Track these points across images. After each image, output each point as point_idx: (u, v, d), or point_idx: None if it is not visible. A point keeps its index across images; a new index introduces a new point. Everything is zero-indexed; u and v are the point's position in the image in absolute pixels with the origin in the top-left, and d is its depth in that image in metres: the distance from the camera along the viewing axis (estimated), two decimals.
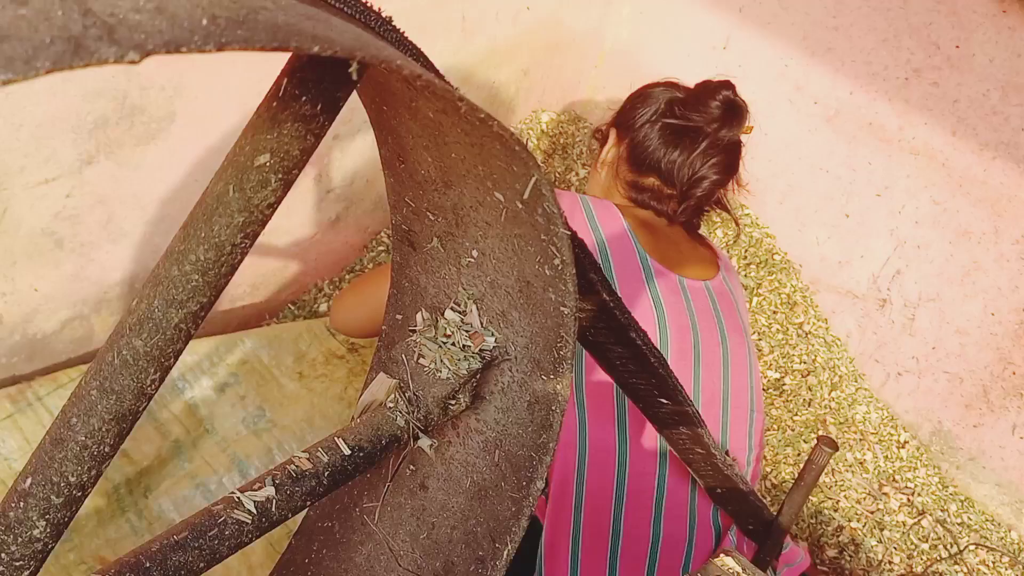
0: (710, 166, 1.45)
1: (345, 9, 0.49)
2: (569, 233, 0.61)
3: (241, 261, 0.53)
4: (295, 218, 1.79)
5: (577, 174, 2.29)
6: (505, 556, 0.72)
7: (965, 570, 1.86)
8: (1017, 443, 1.96)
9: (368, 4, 0.50)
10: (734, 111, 1.46)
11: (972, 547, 1.90)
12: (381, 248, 2.03)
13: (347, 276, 1.99)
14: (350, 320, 1.43)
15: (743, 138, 1.50)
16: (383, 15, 0.52)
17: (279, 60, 0.51)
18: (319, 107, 0.50)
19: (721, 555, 0.98)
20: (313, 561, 0.85)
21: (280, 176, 0.51)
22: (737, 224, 1.75)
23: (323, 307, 1.89)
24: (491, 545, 0.73)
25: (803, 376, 2.07)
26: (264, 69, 1.32)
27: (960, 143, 1.88)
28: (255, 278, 1.79)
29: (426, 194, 0.68)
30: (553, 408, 0.70)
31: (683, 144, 1.46)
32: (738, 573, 0.92)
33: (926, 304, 2.02)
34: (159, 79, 1.35)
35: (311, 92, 0.50)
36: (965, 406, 2.01)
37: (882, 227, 2.06)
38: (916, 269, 2.03)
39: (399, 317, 0.80)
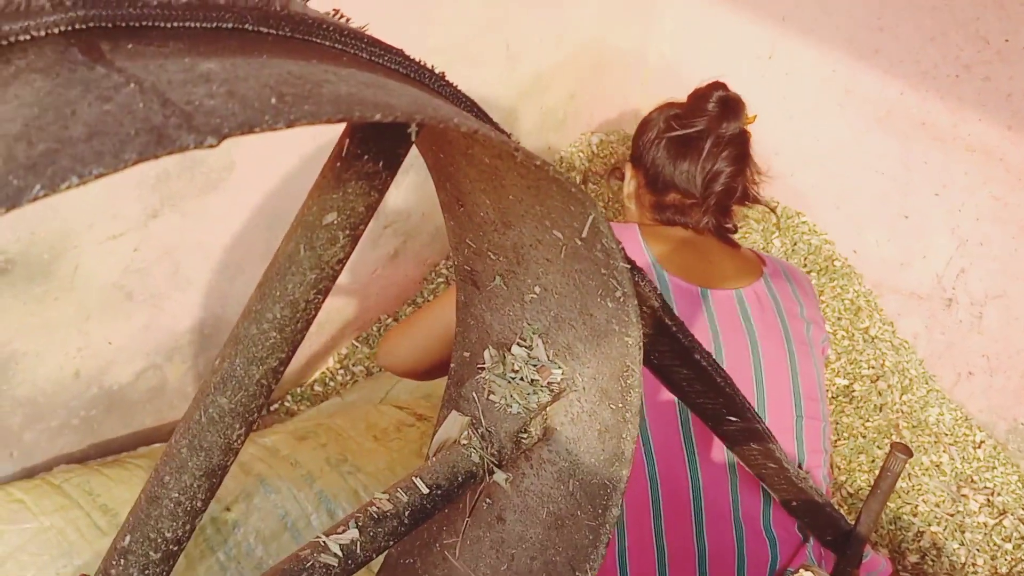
0: (721, 160, 1.48)
1: (400, 70, 0.50)
2: (628, 266, 0.62)
3: (315, 316, 0.55)
4: (355, 255, 1.82)
5: None
6: None
7: None
8: None
9: (422, 62, 0.52)
10: (730, 106, 1.49)
11: None
12: (440, 280, 2.05)
13: (407, 309, 2.02)
14: (399, 359, 1.43)
15: (750, 128, 1.52)
16: (436, 71, 0.53)
17: None
18: (381, 164, 0.52)
19: (801, 571, 0.98)
20: None
21: (347, 232, 0.53)
22: (774, 212, 1.73)
23: None
24: (571, 574, 0.74)
25: (872, 381, 2.05)
26: None
27: (1016, 137, 1.85)
28: (319, 316, 1.82)
29: (486, 235, 0.70)
30: (624, 436, 0.71)
31: (690, 153, 1.49)
32: None
33: (993, 301, 1.99)
34: None
35: (372, 151, 0.52)
36: None
37: (942, 226, 2.04)
38: (980, 266, 2.00)
39: (467, 355, 0.82)
